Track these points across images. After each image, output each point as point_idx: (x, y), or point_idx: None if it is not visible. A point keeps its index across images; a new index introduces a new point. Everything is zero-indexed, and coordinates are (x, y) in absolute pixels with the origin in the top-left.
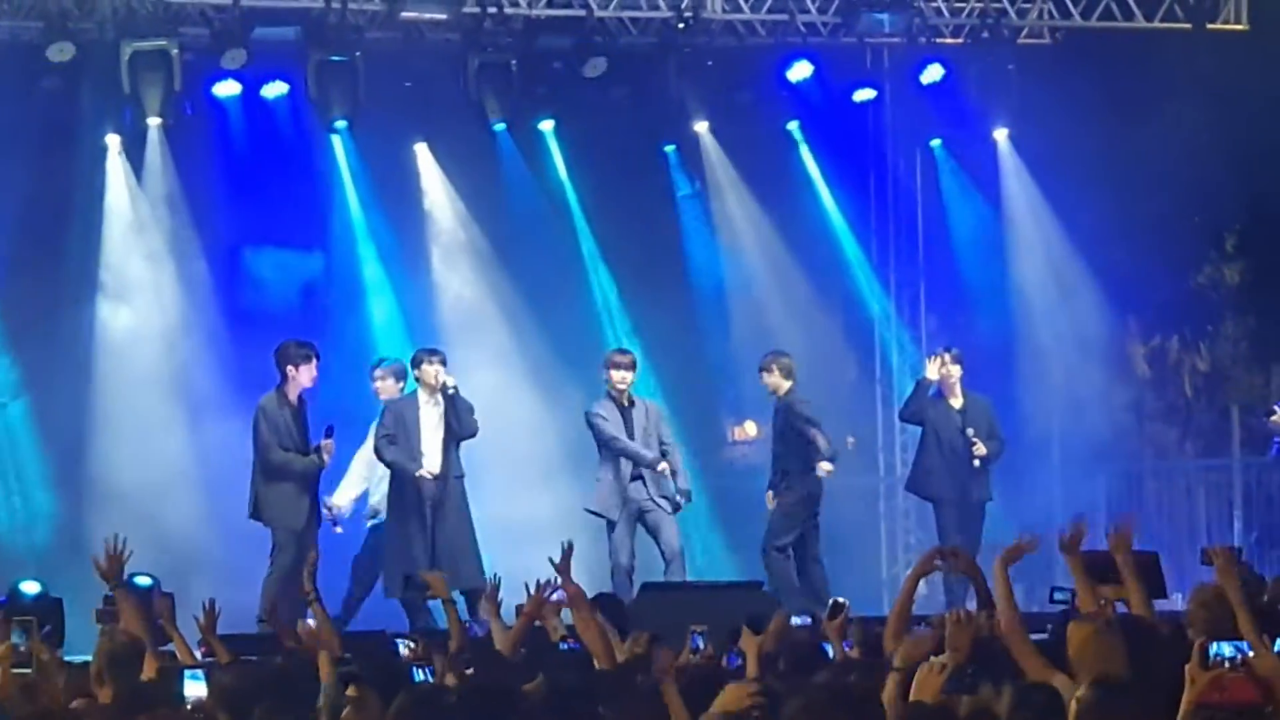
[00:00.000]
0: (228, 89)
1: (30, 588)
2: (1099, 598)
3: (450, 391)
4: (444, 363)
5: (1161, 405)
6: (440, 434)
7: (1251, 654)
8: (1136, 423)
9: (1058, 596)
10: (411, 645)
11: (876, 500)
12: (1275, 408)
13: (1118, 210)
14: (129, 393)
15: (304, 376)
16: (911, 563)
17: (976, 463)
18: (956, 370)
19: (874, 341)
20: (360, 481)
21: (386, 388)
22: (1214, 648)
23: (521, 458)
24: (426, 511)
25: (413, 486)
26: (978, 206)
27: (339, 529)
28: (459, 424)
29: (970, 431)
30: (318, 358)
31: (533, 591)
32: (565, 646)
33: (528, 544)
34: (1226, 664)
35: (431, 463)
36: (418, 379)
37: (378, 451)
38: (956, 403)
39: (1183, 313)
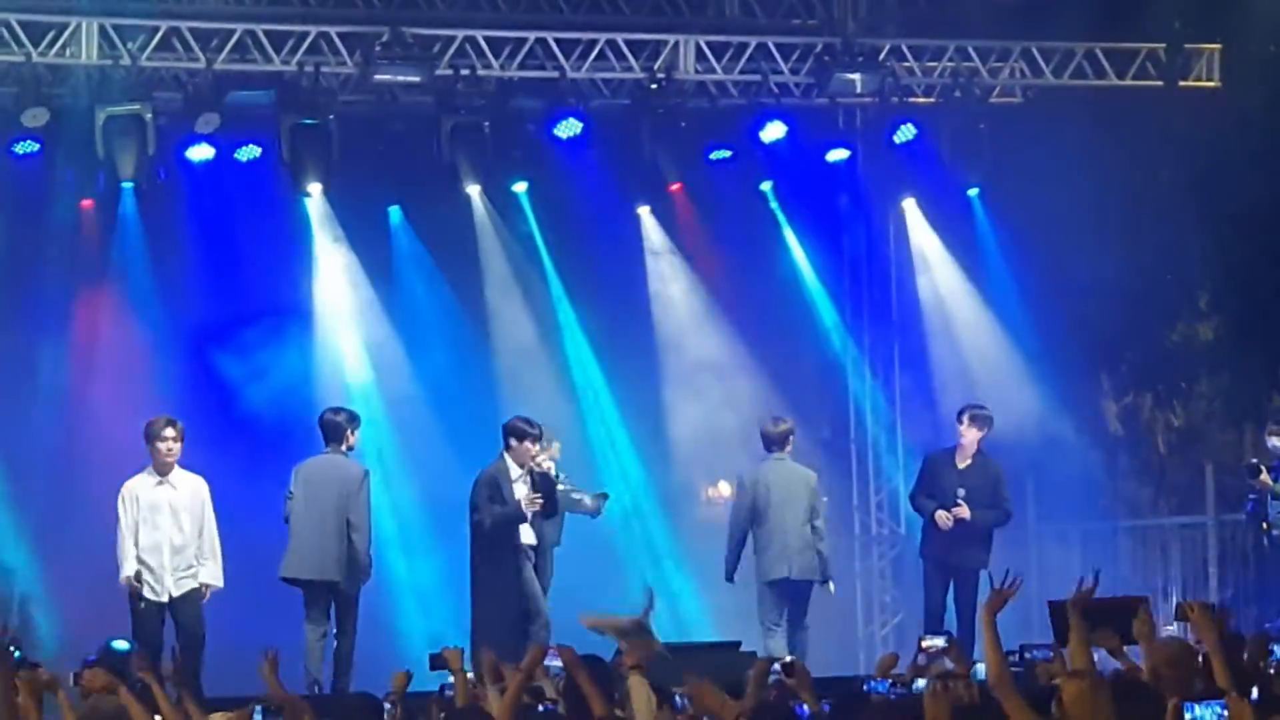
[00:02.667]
0: (201, 153)
1: None
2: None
3: (540, 473)
4: (537, 440)
5: (1135, 463)
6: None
7: (1228, 715)
8: (1110, 481)
9: (1028, 656)
10: (390, 708)
11: (852, 559)
12: (1260, 465)
13: (1090, 268)
14: (104, 454)
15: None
16: (889, 622)
17: (948, 524)
18: (969, 432)
19: (848, 401)
20: None
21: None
22: (1191, 711)
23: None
24: (514, 570)
25: (510, 550)
26: (951, 265)
27: None
28: (544, 503)
29: (960, 493)
30: None
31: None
32: (544, 709)
33: None
34: None
35: (526, 534)
36: (510, 448)
37: (479, 524)
38: (962, 464)
39: (1156, 370)
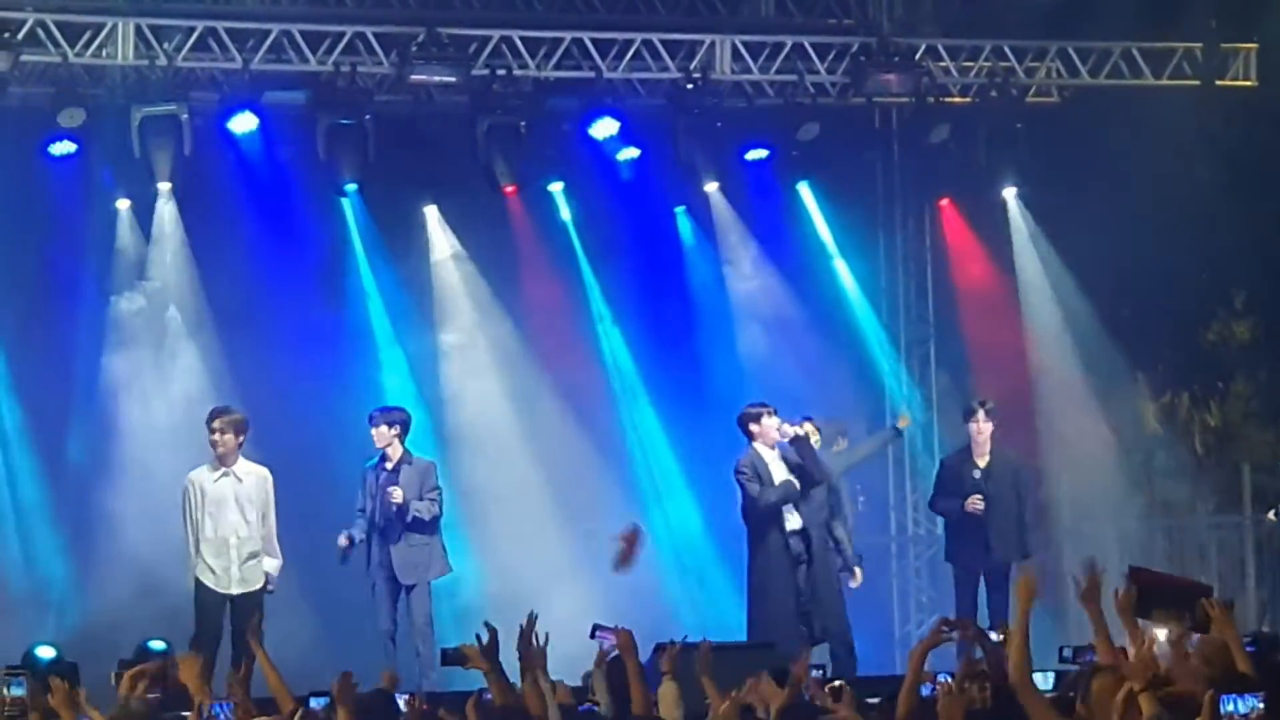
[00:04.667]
0: (237, 153)
1: (46, 652)
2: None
3: (797, 436)
4: (773, 411)
5: (1172, 462)
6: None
7: (1262, 706)
8: (1147, 480)
9: (1067, 655)
10: (410, 701)
11: (888, 559)
12: None
13: (1127, 267)
14: (141, 456)
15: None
16: (924, 621)
17: (980, 507)
18: (984, 427)
19: (884, 400)
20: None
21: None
22: (1227, 704)
23: (527, 513)
24: (788, 561)
25: (781, 535)
26: (987, 265)
27: None
28: (807, 470)
29: (975, 474)
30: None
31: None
32: (584, 708)
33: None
34: (1238, 719)
35: (792, 515)
36: (757, 434)
37: (755, 500)
38: (982, 461)
39: (1193, 370)
